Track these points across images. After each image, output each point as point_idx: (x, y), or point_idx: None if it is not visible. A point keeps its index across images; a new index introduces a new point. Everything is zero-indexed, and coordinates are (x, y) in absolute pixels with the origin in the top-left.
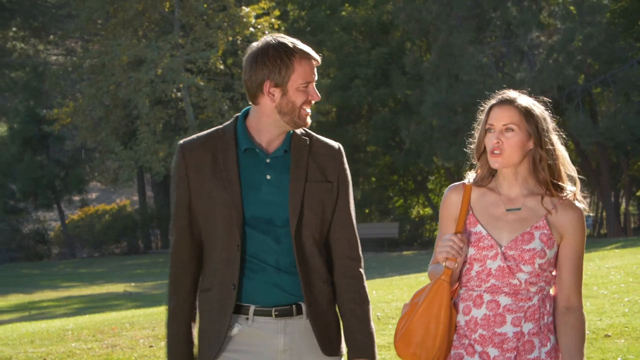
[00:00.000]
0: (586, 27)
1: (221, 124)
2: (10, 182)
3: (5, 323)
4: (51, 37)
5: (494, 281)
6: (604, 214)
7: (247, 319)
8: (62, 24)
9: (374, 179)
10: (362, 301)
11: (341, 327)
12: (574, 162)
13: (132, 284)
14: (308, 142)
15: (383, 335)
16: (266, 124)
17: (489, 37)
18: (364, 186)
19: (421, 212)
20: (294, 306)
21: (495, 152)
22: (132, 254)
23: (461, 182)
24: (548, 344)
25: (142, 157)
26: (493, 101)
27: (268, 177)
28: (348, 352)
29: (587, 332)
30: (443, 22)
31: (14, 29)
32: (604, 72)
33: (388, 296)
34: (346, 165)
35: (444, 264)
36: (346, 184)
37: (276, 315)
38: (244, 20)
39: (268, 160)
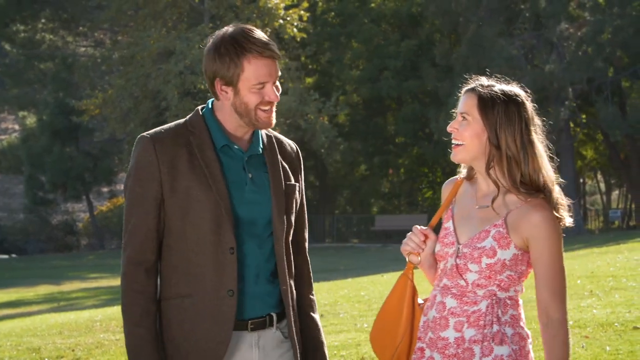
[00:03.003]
0: (615, 19)
1: None
2: (40, 173)
3: (34, 314)
4: (80, 28)
5: (446, 281)
6: (633, 205)
7: None
8: (91, 16)
9: (402, 170)
10: (315, 305)
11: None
12: (602, 154)
13: None
14: (273, 140)
15: None
16: (229, 121)
17: (518, 29)
18: (392, 178)
19: None
20: (267, 317)
21: (454, 142)
22: None
23: (456, 176)
24: (491, 354)
25: None
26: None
27: (250, 175)
28: (313, 354)
29: (569, 344)
30: (472, 14)
31: (43, 20)
32: (634, 64)
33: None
34: (302, 166)
35: (407, 258)
36: (302, 184)
37: (251, 329)
38: (273, 12)
39: (246, 159)
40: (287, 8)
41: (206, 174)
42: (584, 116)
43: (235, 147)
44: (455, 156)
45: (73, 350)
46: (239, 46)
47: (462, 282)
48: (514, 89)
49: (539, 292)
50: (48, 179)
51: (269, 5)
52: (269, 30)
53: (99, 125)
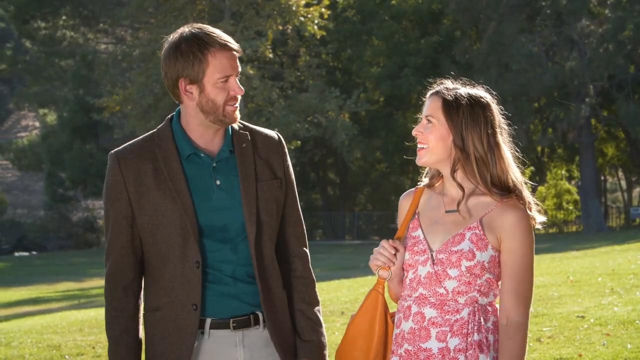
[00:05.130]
0: (637, 16)
1: (270, 112)
2: (60, 170)
3: (55, 311)
4: (101, 25)
5: (422, 290)
6: None
7: (203, 333)
8: (111, 12)
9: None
10: (313, 301)
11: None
12: (623, 151)
13: None
14: (249, 137)
15: None
16: (195, 124)
17: (539, 26)
18: (413, 175)
19: None
20: (251, 316)
21: (419, 145)
22: None
23: (415, 187)
24: None
25: None
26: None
27: (218, 182)
28: (298, 351)
29: (524, 348)
30: (493, 11)
31: (63, 17)
32: None
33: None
34: (288, 157)
35: (376, 273)
36: (292, 178)
37: (234, 327)
38: (294, 9)
39: (214, 165)
40: (307, 5)
41: (171, 187)
42: (605, 113)
43: (202, 154)
44: (420, 159)
45: (93, 348)
46: (201, 41)
47: (442, 291)
48: (479, 91)
49: (502, 293)
50: (68, 176)
51: (290, 3)
52: (290, 27)
53: (118, 122)
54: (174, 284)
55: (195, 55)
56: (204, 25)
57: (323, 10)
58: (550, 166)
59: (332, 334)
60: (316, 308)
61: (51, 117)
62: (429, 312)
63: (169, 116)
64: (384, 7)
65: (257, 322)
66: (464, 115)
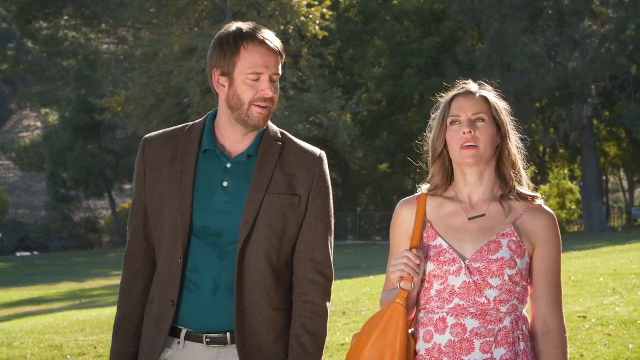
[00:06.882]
0: (639, 16)
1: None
2: (62, 170)
3: (56, 311)
4: (103, 25)
5: (458, 300)
6: None
7: (179, 342)
8: (113, 13)
9: (425, 168)
10: (315, 330)
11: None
12: (625, 151)
13: None
14: (279, 148)
15: None
16: (224, 121)
17: (541, 26)
18: (415, 176)
19: None
20: (228, 334)
21: (469, 144)
22: None
23: (413, 195)
24: None
25: None
26: (454, 91)
27: (224, 184)
28: None
29: (568, 354)
30: (495, 11)
31: (65, 17)
32: None
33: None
34: (326, 176)
35: (397, 284)
36: (321, 198)
37: (207, 343)
38: (295, 9)
39: (228, 165)
40: (309, 5)
41: (178, 179)
42: (606, 113)
43: (219, 152)
44: (473, 157)
45: (95, 348)
46: (238, 34)
47: (483, 300)
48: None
49: (537, 299)
50: (70, 176)
51: (291, 3)
52: (291, 27)
53: (120, 123)
54: (162, 277)
55: (229, 47)
56: (254, 23)
57: (324, 10)
58: (552, 166)
59: (334, 334)
60: (316, 339)
61: (53, 117)
62: (471, 323)
63: (214, 109)
64: (385, 7)
65: (234, 341)
66: (506, 115)
